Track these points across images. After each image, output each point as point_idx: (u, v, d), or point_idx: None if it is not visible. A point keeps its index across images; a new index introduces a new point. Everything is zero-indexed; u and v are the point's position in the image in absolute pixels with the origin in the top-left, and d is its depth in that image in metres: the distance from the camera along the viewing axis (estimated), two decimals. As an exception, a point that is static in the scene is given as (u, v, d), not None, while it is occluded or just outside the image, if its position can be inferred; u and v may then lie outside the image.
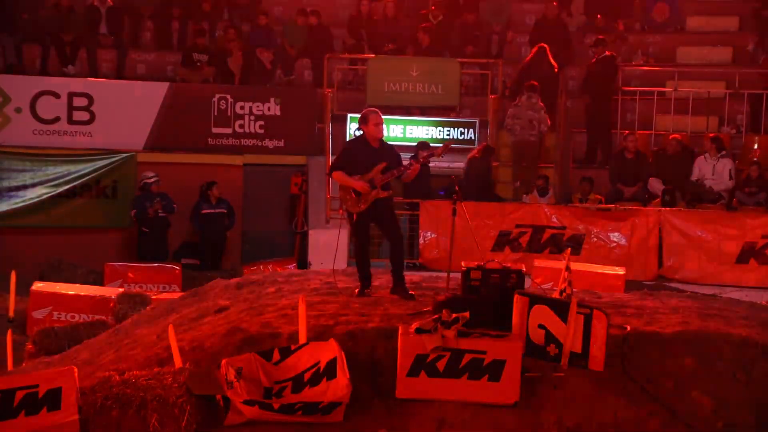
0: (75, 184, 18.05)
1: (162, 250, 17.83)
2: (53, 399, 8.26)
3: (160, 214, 17.75)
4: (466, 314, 8.85)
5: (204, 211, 17.93)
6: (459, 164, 18.12)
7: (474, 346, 8.67)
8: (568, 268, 9.91)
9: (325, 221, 17.46)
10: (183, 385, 8.42)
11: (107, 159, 18.17)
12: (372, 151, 10.54)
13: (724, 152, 17.41)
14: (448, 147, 10.87)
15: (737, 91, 18.96)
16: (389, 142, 10.94)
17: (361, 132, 10.64)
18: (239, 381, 8.44)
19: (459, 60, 19.47)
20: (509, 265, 9.94)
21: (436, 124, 18.89)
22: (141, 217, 17.75)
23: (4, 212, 17.79)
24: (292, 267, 16.66)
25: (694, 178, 17.34)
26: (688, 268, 16.15)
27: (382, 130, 10.59)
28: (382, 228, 10.75)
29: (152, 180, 17.82)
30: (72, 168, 18.05)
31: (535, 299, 8.99)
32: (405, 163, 10.71)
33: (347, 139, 18.16)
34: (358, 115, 18.84)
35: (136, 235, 18.01)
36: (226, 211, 18.03)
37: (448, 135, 18.90)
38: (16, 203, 17.88)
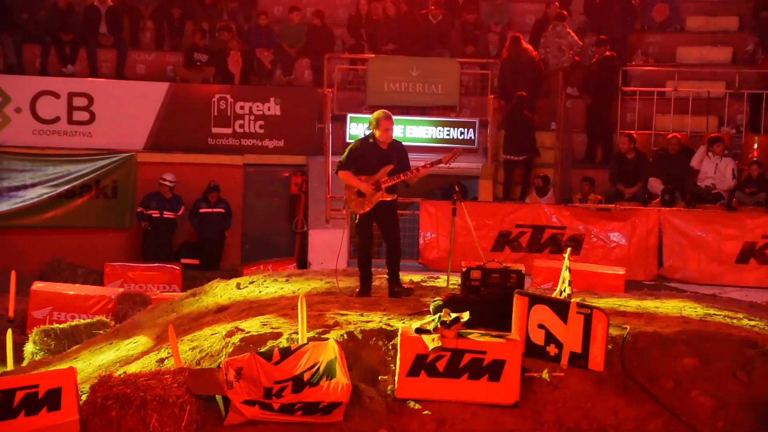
0: (75, 184, 18.06)
1: (165, 249, 17.85)
2: (53, 399, 8.25)
3: (164, 215, 17.77)
4: (466, 314, 8.85)
5: (202, 211, 17.95)
6: (459, 164, 18.09)
7: (474, 346, 8.66)
8: (568, 268, 9.91)
9: (325, 221, 17.46)
10: (183, 385, 8.41)
11: (107, 159, 18.18)
12: (380, 153, 10.47)
13: (726, 152, 17.41)
14: (456, 155, 10.77)
15: (737, 91, 18.96)
16: (400, 142, 10.83)
17: (371, 131, 10.54)
18: (239, 381, 8.44)
19: (459, 60, 19.48)
20: (509, 265, 9.94)
21: (436, 124, 18.90)
22: (142, 215, 17.79)
23: (4, 212, 17.80)
24: (292, 267, 16.66)
25: (698, 177, 17.31)
26: (688, 268, 16.15)
27: (391, 135, 10.51)
28: (382, 230, 10.73)
29: (165, 182, 17.81)
30: (72, 168, 18.06)
31: (535, 299, 8.99)
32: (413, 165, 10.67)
33: (348, 138, 18.28)
34: (358, 115, 18.99)
35: (141, 233, 18.04)
36: (223, 211, 18.03)
37: (448, 135, 18.90)
38: (16, 203, 17.89)
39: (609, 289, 12.42)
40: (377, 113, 10.50)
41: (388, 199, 10.48)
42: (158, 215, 17.77)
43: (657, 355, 9.08)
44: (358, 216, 10.52)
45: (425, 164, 10.74)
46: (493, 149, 18.73)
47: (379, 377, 8.78)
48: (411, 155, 11.01)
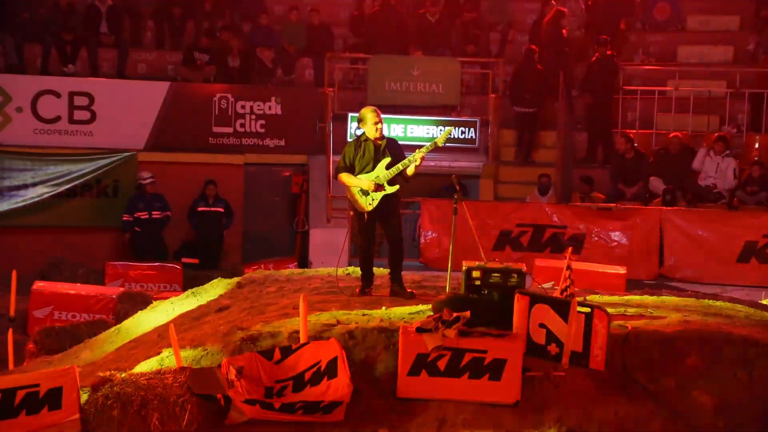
0: (76, 183, 18.04)
1: (159, 249, 17.81)
2: (54, 398, 8.25)
3: (153, 216, 17.73)
4: (467, 313, 8.84)
5: (200, 209, 17.94)
6: (460, 164, 18.15)
7: (475, 345, 8.66)
8: (569, 267, 9.90)
9: (326, 221, 17.46)
10: (184, 384, 8.41)
11: (108, 158, 18.17)
12: (374, 149, 10.54)
13: (728, 151, 17.42)
14: (448, 133, 10.85)
15: (738, 91, 18.97)
16: (391, 136, 10.90)
17: (362, 131, 10.64)
18: (240, 380, 8.44)
19: (460, 59, 19.47)
20: (510, 264, 9.93)
21: (437, 124, 18.89)
22: (127, 225, 17.69)
23: (4, 212, 17.79)
24: (292, 266, 16.65)
25: (700, 177, 17.30)
26: (689, 267, 16.13)
27: (381, 128, 10.56)
28: (385, 229, 10.74)
29: (147, 181, 17.80)
30: (73, 167, 18.04)
31: (536, 298, 8.98)
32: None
33: (349, 138, 18.28)
34: (358, 115, 18.91)
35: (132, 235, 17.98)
36: (222, 209, 18.01)
37: (449, 134, 18.87)
38: (17, 203, 17.88)
39: (610, 288, 12.42)
40: (363, 110, 10.59)
41: (392, 191, 10.52)
42: (147, 216, 17.73)
43: (658, 355, 9.07)
44: (366, 215, 10.53)
45: (420, 150, 10.66)
46: (494, 148, 18.73)
47: (380, 376, 8.77)
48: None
